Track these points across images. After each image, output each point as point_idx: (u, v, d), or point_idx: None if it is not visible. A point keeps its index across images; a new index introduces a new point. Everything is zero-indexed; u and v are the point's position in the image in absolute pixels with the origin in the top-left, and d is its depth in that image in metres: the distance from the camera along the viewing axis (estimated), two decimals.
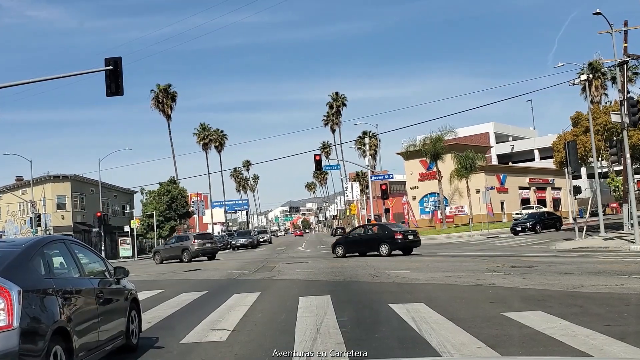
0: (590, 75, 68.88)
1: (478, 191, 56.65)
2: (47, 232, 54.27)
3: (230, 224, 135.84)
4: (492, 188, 52.11)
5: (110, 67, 20.57)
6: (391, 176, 52.91)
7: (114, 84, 20.68)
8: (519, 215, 57.67)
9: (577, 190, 37.15)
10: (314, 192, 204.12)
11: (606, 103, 51.80)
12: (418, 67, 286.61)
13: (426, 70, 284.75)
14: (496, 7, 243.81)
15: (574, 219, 31.41)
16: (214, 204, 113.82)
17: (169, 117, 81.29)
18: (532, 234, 39.71)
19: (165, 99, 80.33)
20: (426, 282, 14.56)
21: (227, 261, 32.10)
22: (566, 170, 31.47)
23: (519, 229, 40.72)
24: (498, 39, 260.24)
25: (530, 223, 41.14)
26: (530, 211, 52.63)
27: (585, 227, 30.63)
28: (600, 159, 38.37)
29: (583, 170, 79.98)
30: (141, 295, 15.59)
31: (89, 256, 7.33)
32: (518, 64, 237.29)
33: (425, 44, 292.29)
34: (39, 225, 51.15)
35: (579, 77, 47.73)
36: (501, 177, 62.59)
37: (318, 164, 40.08)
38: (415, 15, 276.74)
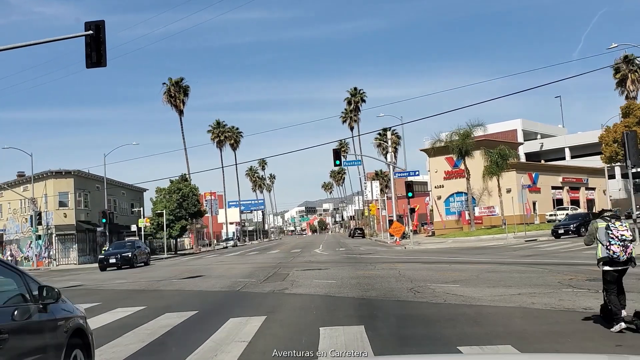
0: (625, 69, 64.92)
1: (509, 190, 52.47)
2: (49, 231, 51.21)
3: (246, 223, 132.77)
4: (529, 186, 47.84)
5: (91, 33, 16.99)
6: (417, 173, 48.78)
7: (95, 53, 17.10)
8: (554, 217, 53.43)
9: (638, 187, 32.87)
10: (330, 193, 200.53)
11: None
12: (433, 65, 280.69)
13: (444, 68, 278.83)
14: (516, 3, 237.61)
15: (635, 219, 27.23)
16: (230, 203, 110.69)
17: (181, 112, 78.10)
18: (575, 237, 35.44)
19: (177, 93, 77.14)
20: (491, 303, 10.74)
21: (236, 265, 28.47)
22: (625, 164, 27.28)
23: (561, 231, 36.51)
24: (519, 36, 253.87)
25: (574, 225, 36.90)
26: (572, 212, 48.33)
27: None
28: None
29: (617, 170, 75.38)
30: (114, 315, 11.99)
31: None
32: (542, 62, 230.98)
33: (441, 42, 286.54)
34: (40, 223, 48.00)
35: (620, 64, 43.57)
36: (533, 175, 58.19)
37: (337, 155, 36.31)
38: (430, 12, 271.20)
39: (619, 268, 8.11)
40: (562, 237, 36.16)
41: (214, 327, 9.34)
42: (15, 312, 4.69)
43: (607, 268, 8.12)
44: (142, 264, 37.20)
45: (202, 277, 21.30)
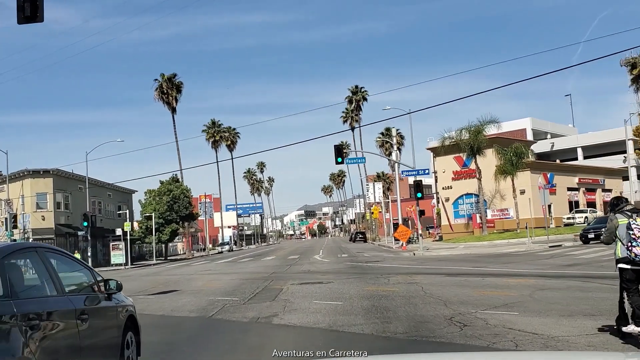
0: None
1: (523, 192, 48.67)
2: (26, 235, 47.21)
3: (244, 227, 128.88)
4: (552, 185, 43.89)
5: None
6: (426, 171, 44.90)
7: (30, 5, 13.23)
8: (572, 220, 49.65)
9: None
10: (330, 196, 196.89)
11: None
12: (436, 69, 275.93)
13: (447, 72, 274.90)
14: (517, 5, 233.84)
15: None
16: (227, 207, 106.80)
17: (173, 110, 74.28)
18: None
19: (169, 90, 73.30)
20: (594, 350, 6.76)
21: (222, 276, 24.49)
22: None
23: (591, 235, 32.42)
24: (519, 38, 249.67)
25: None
26: (591, 214, 44.52)
27: None
28: None
29: (633, 171, 71.53)
30: None
31: (71, 268, 5.88)
32: (543, 64, 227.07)
33: (442, 44, 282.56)
34: (15, 227, 44.02)
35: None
36: (548, 176, 54.23)
37: (338, 152, 32.59)
38: (431, 14, 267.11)
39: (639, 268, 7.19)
40: (592, 242, 32.17)
41: None
42: (86, 299, 5.52)
43: (625, 266, 7.26)
44: None
45: (175, 293, 17.33)
